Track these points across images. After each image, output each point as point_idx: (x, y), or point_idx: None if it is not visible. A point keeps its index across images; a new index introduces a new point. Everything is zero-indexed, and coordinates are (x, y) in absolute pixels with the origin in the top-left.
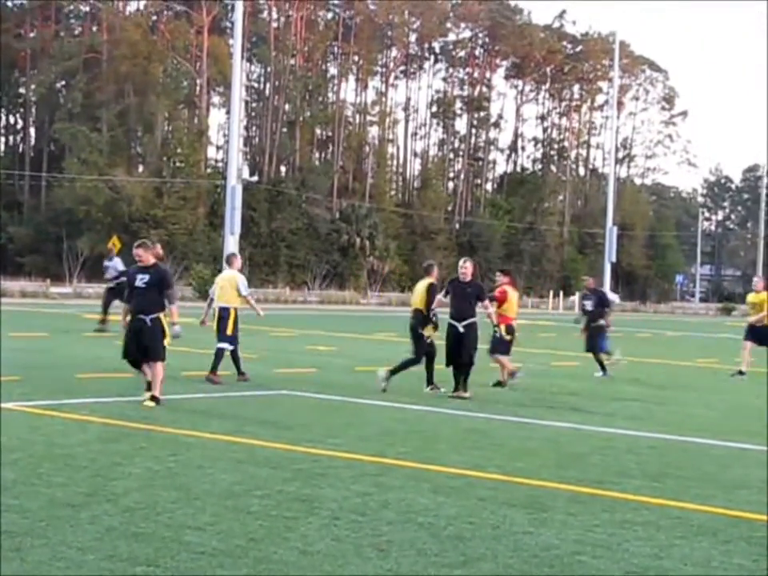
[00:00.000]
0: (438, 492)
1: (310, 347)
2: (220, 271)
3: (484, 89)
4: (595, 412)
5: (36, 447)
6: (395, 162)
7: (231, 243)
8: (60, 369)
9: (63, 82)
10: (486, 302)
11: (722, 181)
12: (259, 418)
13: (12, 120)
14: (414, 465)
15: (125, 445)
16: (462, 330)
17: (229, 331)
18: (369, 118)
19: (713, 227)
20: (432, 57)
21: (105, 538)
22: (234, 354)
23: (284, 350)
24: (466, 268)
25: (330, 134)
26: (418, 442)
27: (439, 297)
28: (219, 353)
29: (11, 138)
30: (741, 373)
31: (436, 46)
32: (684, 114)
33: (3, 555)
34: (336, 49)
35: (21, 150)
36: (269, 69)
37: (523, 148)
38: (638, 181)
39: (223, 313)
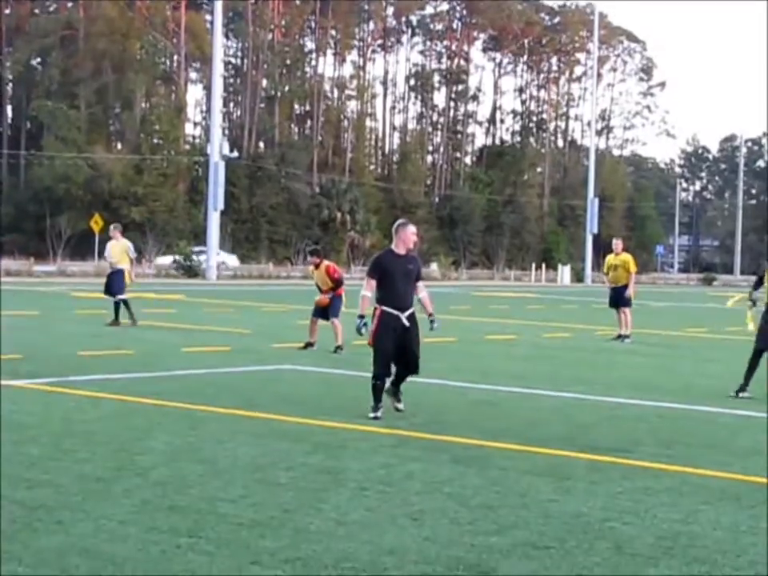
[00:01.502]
0: (458, 462)
1: (301, 322)
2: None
3: (462, 62)
4: (597, 382)
5: (54, 424)
6: (374, 136)
7: (214, 219)
8: (60, 347)
9: (40, 60)
10: (421, 283)
11: (700, 151)
12: (268, 392)
13: None
14: (429, 436)
15: (141, 420)
16: (407, 322)
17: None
18: (347, 92)
19: (690, 198)
20: (410, 30)
21: (142, 511)
22: (125, 303)
23: (277, 324)
24: (412, 234)
25: (308, 108)
26: (427, 415)
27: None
28: (117, 305)
29: None
30: (621, 336)
31: (413, 19)
32: (662, 85)
33: (46, 528)
34: (313, 23)
35: None
36: (246, 44)
37: (502, 121)
38: (616, 152)
39: (116, 273)
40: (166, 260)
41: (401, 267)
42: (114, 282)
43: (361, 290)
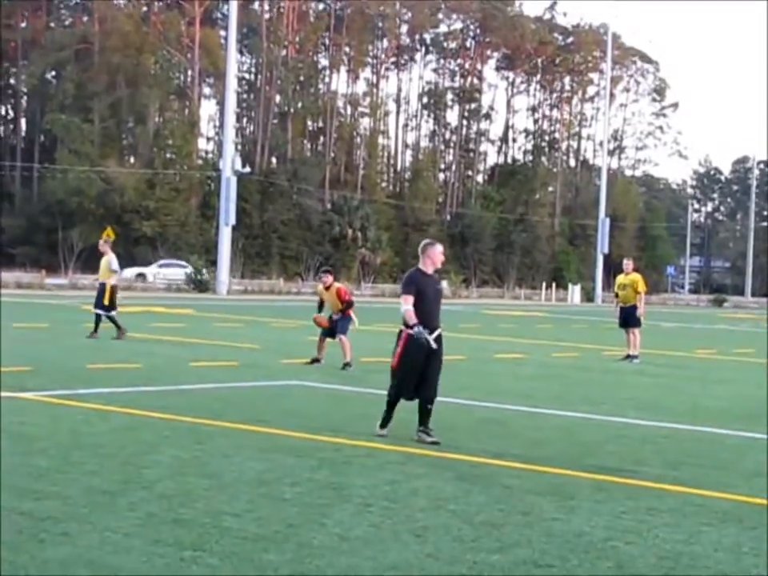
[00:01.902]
0: (463, 480)
1: (311, 338)
2: (213, 263)
3: (475, 80)
4: (604, 402)
5: (62, 436)
6: (386, 154)
7: (225, 234)
8: (69, 360)
9: (55, 73)
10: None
11: (712, 172)
12: (275, 407)
13: (3, 111)
14: (435, 454)
15: (148, 434)
16: (434, 345)
17: (105, 301)
18: (360, 109)
19: (702, 219)
20: (423, 48)
21: (147, 524)
22: (111, 318)
23: (287, 340)
24: (441, 253)
25: (321, 125)
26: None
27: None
28: (98, 317)
29: (2, 128)
30: (630, 356)
31: (427, 37)
32: (675, 105)
33: (52, 540)
34: (327, 40)
35: (12, 141)
36: (260, 60)
37: (514, 139)
38: (628, 172)
39: (100, 287)
40: (131, 272)
41: (431, 287)
42: (98, 296)
43: (401, 308)
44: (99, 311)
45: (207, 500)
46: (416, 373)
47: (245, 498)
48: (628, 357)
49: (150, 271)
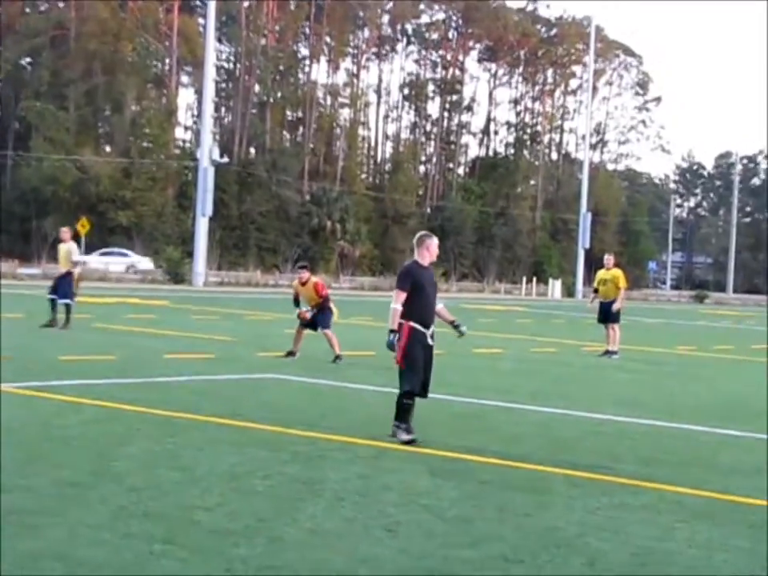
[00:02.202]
0: (436, 475)
1: (288, 331)
2: (190, 254)
3: (457, 72)
4: (581, 398)
5: (33, 428)
6: (366, 145)
7: (202, 225)
8: (42, 351)
9: (30, 60)
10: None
11: (695, 167)
12: (250, 400)
13: None
14: (408, 448)
15: (121, 426)
16: (431, 341)
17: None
18: (340, 99)
19: (685, 214)
20: (405, 39)
21: (117, 517)
22: (69, 307)
23: (263, 333)
24: (436, 246)
25: (300, 115)
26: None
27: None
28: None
29: None
30: (609, 352)
31: (409, 27)
32: (658, 99)
33: (21, 533)
34: (307, 29)
35: None
36: (239, 49)
37: (496, 132)
38: (610, 166)
39: (63, 276)
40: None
41: (429, 279)
42: (61, 285)
43: (392, 304)
44: (68, 300)
45: (178, 493)
46: (422, 366)
47: (216, 492)
48: (607, 352)
49: (92, 260)
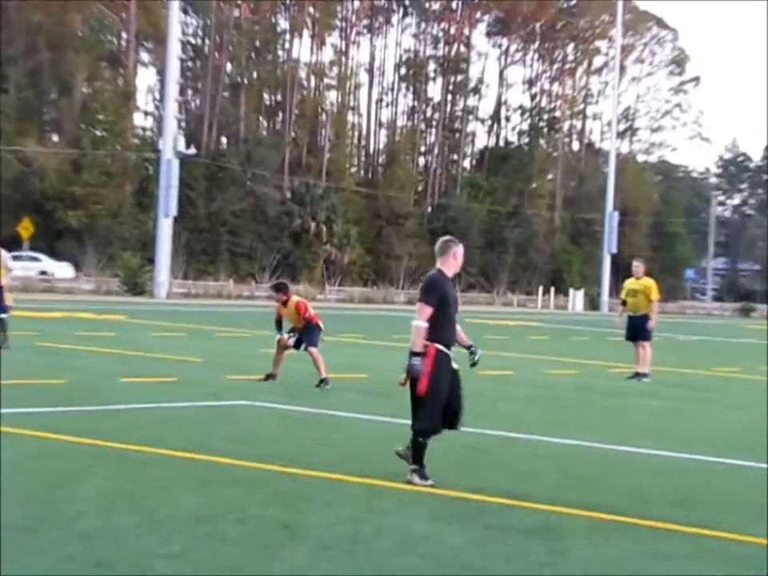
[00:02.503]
0: (437, 518)
1: (264, 350)
2: (150, 260)
3: (462, 48)
4: (605, 429)
5: None
6: (357, 134)
7: (165, 227)
8: None
9: None
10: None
11: (740, 159)
12: (220, 431)
13: None
14: (405, 487)
15: (69, 462)
16: (456, 364)
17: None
18: (326, 81)
19: (728, 213)
20: (401, 9)
21: (66, 567)
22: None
23: (235, 353)
24: (460, 253)
25: (280, 99)
26: (404, 462)
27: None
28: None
29: None
30: (639, 375)
31: None
32: (696, 80)
33: None
34: None
35: None
36: (208, 21)
37: (507, 118)
38: (641, 158)
39: None
40: None
41: (453, 293)
42: None
43: (414, 321)
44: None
45: (136, 539)
46: (444, 398)
47: (180, 538)
48: (637, 375)
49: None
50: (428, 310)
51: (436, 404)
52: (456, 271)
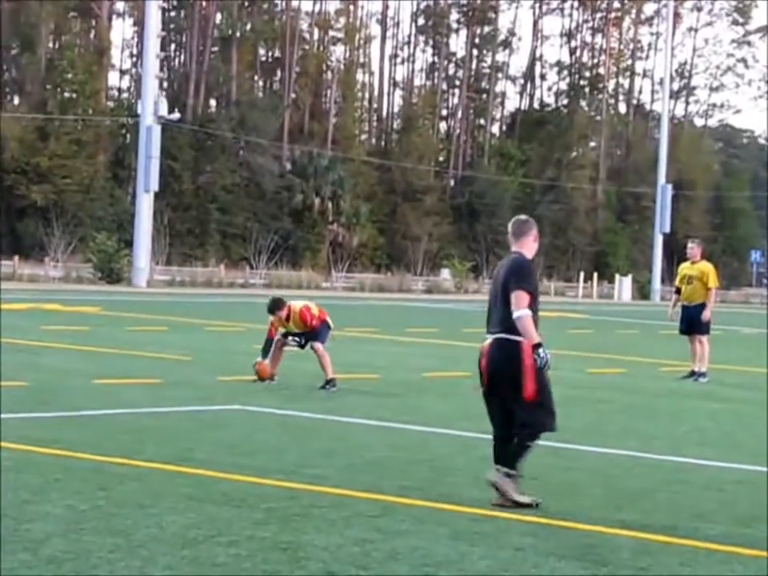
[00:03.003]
0: (459, 539)
1: (259, 347)
2: (128, 242)
3: None
4: (656, 436)
5: None
6: (368, 95)
7: (146, 204)
8: None
9: None
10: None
11: None
12: (208, 440)
13: None
14: (422, 503)
15: (34, 476)
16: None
17: None
18: (332, 33)
19: None
20: None
21: None
22: None
23: (227, 350)
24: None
25: (278, 55)
26: (424, 474)
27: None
28: None
29: None
30: (695, 374)
31: None
32: (764, 30)
33: None
34: None
35: None
36: None
37: (543, 77)
38: (699, 122)
39: None
40: None
41: None
42: None
43: (517, 311)
44: None
45: (112, 565)
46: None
47: (162, 563)
48: (693, 374)
49: None
50: (527, 298)
51: (550, 400)
52: (534, 255)
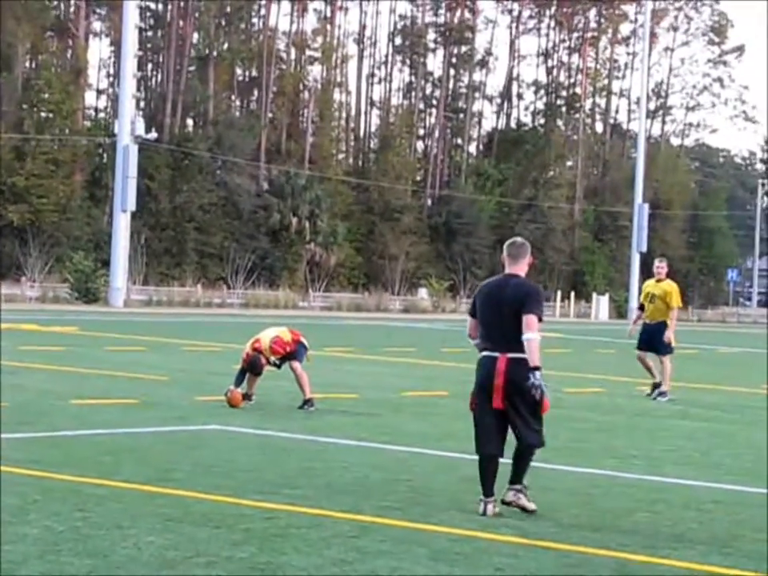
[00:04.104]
0: (439, 560)
1: (237, 366)
2: (105, 262)
3: (467, 14)
4: (635, 455)
5: None
6: (345, 115)
7: (122, 223)
8: None
9: None
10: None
11: None
12: (186, 461)
13: None
14: (402, 524)
15: (10, 497)
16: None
17: None
18: (309, 53)
19: None
20: None
21: None
22: None
23: (205, 370)
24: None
25: (255, 74)
26: (404, 494)
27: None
28: None
29: None
30: (657, 389)
31: None
32: (739, 50)
33: None
34: None
35: None
36: None
37: (520, 96)
38: (675, 141)
39: None
40: None
41: None
42: None
43: (529, 334)
44: None
45: None
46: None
47: None
48: (654, 389)
49: None
50: (538, 324)
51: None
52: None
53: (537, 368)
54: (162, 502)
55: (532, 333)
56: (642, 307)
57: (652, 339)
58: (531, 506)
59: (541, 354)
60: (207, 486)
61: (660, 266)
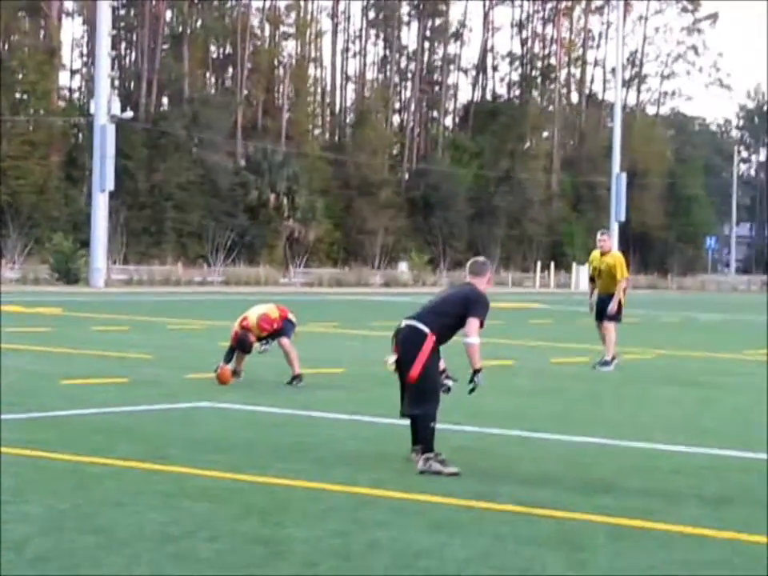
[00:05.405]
0: (438, 529)
1: (224, 344)
2: (84, 243)
3: None
4: (623, 423)
5: None
6: (320, 90)
7: (101, 203)
8: None
9: None
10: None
11: (765, 108)
12: (180, 438)
13: None
14: (398, 495)
15: (9, 477)
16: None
17: None
18: (283, 29)
19: (753, 172)
20: None
21: None
22: None
23: (191, 348)
24: (489, 275)
25: (229, 51)
26: (397, 466)
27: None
28: None
29: None
30: (606, 363)
31: None
32: (713, 17)
33: None
34: None
35: None
36: None
37: (495, 68)
38: (651, 110)
39: None
40: None
41: None
42: None
43: (471, 337)
44: None
45: (94, 562)
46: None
47: (146, 559)
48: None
49: None
50: (479, 328)
51: (435, 389)
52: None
53: (478, 370)
54: (159, 478)
55: (473, 337)
56: (592, 279)
57: (602, 310)
58: (447, 470)
59: (481, 352)
60: (203, 462)
61: (602, 238)
